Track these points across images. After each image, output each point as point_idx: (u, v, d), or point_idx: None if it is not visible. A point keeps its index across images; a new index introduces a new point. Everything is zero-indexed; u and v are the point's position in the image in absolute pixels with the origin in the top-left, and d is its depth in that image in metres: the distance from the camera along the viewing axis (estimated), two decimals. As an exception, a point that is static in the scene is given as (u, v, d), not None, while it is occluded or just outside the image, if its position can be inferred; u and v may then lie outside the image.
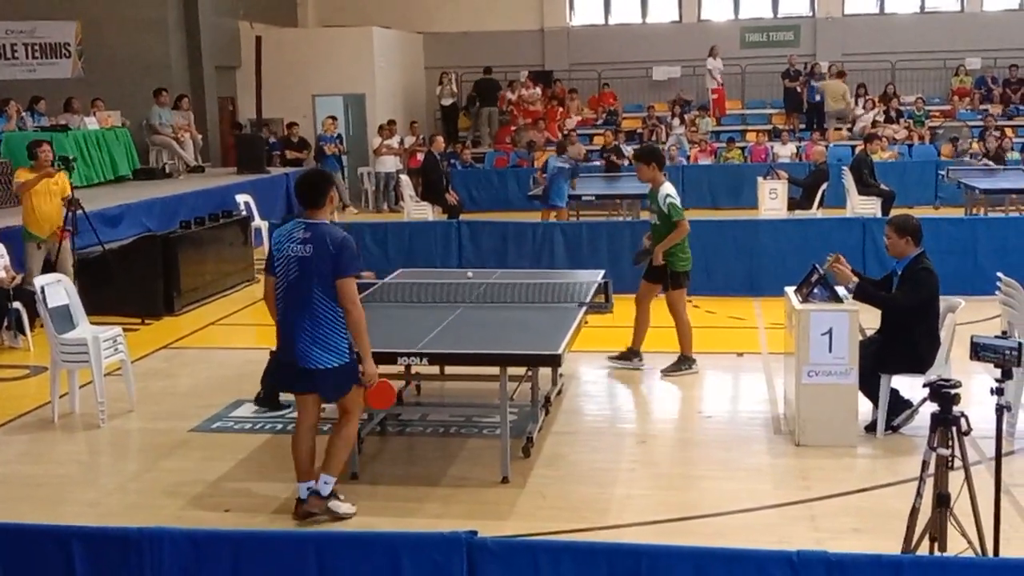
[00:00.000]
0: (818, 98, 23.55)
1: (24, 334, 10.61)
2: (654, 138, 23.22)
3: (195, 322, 11.70)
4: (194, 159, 19.24)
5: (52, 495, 6.91)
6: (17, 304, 10.48)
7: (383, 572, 4.22)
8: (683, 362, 9.29)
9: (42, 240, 11.19)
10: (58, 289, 8.64)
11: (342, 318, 5.99)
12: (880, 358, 7.37)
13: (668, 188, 9.20)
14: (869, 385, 7.38)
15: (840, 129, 23.53)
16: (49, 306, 8.40)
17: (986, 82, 24.48)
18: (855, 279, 7.40)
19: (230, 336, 11.43)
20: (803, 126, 23.83)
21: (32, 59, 20.25)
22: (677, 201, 9.14)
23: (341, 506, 6.24)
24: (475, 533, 4.21)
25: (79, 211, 11.29)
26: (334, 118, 21.55)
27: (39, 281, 8.64)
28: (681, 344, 9.31)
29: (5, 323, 10.63)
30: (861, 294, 7.40)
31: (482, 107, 24.69)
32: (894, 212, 13.73)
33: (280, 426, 8.00)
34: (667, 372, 9.26)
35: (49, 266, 11.00)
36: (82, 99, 18.14)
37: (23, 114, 17.20)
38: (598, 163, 20.82)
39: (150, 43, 20.08)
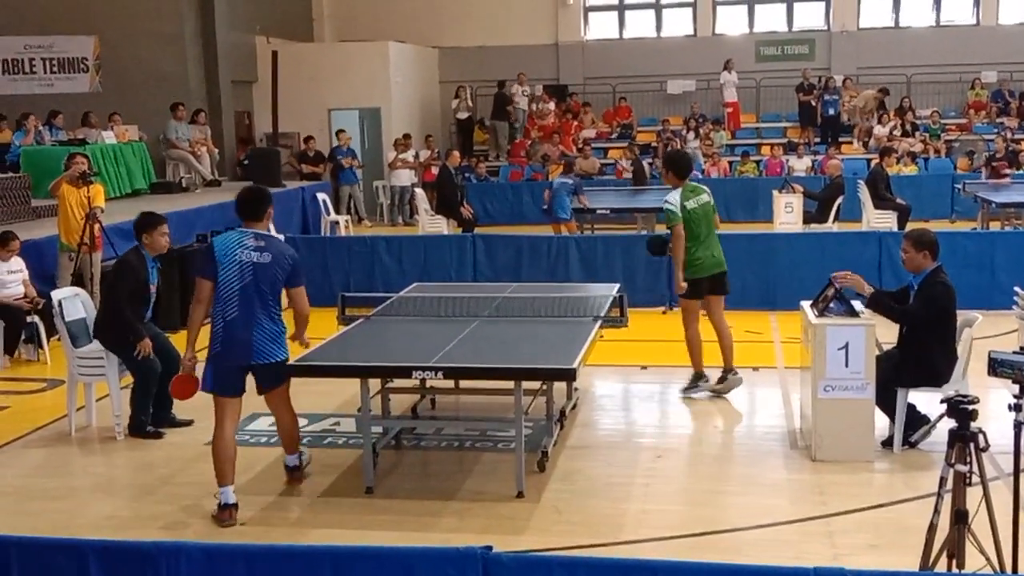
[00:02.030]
0: (832, 112, 23.54)
1: (42, 348, 10.68)
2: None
3: (211, 336, 11.71)
4: (211, 173, 19.32)
5: (69, 508, 6.94)
6: (35, 318, 10.55)
7: (398, 587, 4.22)
8: (697, 379, 9.08)
9: (72, 250, 11.31)
10: (75, 303, 8.69)
11: (281, 318, 6.76)
12: (897, 372, 7.34)
13: (669, 194, 8.89)
14: (886, 400, 7.35)
15: (851, 142, 23.52)
16: (66, 320, 8.45)
17: (1003, 95, 24.42)
18: (869, 289, 7.39)
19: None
20: (818, 140, 23.81)
21: (50, 74, 20.44)
22: (673, 208, 8.71)
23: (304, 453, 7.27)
24: (490, 548, 4.21)
25: (96, 224, 11.36)
26: (344, 132, 21.66)
27: (56, 295, 8.69)
28: (692, 360, 9.07)
29: (23, 337, 10.71)
30: (875, 304, 7.39)
31: (493, 121, 24.77)
32: (910, 226, 13.70)
33: (295, 440, 8.02)
34: (686, 391, 9.09)
35: (79, 278, 11.11)
36: (99, 113, 18.26)
37: (40, 128, 17.32)
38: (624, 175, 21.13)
39: (167, 58, 20.22)
